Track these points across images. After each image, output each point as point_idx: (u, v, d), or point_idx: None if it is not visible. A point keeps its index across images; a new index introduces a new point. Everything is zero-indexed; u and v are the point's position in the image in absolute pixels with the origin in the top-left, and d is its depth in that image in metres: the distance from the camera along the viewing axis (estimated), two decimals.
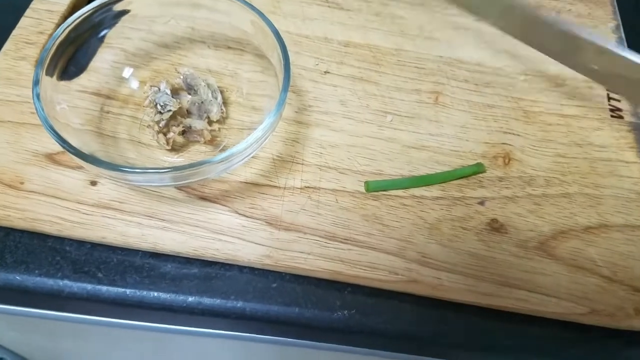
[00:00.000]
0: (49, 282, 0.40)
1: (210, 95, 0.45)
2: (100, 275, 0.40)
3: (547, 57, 0.54)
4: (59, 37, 0.40)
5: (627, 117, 0.51)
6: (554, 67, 0.53)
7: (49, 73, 0.40)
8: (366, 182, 0.44)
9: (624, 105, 0.52)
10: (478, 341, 0.40)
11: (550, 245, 0.42)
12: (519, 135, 0.48)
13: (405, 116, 0.48)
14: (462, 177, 0.45)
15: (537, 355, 0.41)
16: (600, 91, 0.52)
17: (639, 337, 0.41)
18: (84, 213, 0.41)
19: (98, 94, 0.46)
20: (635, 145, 0.49)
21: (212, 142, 0.44)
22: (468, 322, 0.40)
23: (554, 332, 0.41)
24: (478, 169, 0.45)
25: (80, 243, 0.41)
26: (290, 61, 0.41)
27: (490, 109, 0.49)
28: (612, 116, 0.51)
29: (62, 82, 0.42)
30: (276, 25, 0.43)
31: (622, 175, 0.47)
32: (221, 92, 0.46)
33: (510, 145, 0.47)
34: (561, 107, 0.51)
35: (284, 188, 0.43)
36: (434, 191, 0.44)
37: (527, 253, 0.42)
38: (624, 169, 0.47)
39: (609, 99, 0.52)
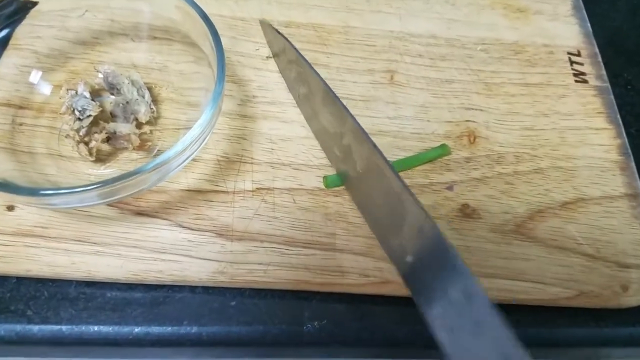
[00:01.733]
0: None
1: (135, 93, 0.39)
2: (29, 312, 0.35)
3: (503, 23, 0.51)
4: None
5: (592, 81, 0.48)
6: (512, 33, 0.50)
7: None
8: (325, 177, 0.39)
9: (587, 68, 0.49)
10: None
11: (527, 227, 0.39)
12: (482, 110, 0.45)
13: (359, 100, 0.44)
14: (426, 162, 0.41)
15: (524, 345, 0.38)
16: (561, 55, 0.49)
17: (628, 316, 0.38)
18: (1, 244, 0.35)
19: (7, 105, 0.40)
20: (603, 110, 0.46)
21: (143, 147, 0.38)
22: None
23: (539, 318, 0.38)
24: (443, 152, 0.41)
25: (2, 278, 0.36)
26: (227, 48, 0.37)
27: (449, 85, 0.46)
28: (576, 81, 0.48)
29: None
30: (206, 9, 0.37)
31: (593, 143, 0.44)
32: (150, 88, 0.41)
33: (474, 122, 0.44)
34: (523, 76, 0.47)
35: (234, 192, 0.38)
36: None
37: (505, 238, 0.38)
38: (595, 137, 0.44)
39: (572, 63, 0.49)
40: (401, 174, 0.40)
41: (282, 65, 0.44)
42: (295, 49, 0.40)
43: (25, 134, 0.39)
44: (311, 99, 0.40)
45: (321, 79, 0.38)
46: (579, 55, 0.50)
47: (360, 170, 0.36)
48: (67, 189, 0.30)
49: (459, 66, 0.47)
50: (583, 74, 0.48)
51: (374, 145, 0.33)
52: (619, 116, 0.46)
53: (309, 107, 0.41)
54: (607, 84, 0.48)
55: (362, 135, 0.34)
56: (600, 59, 0.50)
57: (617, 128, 0.45)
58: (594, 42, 0.51)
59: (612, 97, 0.47)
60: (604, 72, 0.49)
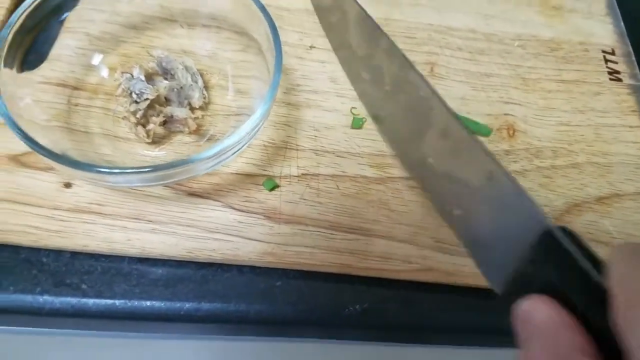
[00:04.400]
0: (27, 299, 0.36)
1: (189, 79, 0.41)
2: (84, 287, 0.36)
3: (539, 20, 0.52)
4: (15, 23, 0.35)
5: (626, 80, 0.49)
6: (548, 30, 0.51)
7: (8, 64, 0.35)
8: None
9: (621, 67, 0.50)
10: (501, 324, 0.38)
11: (565, 220, 0.40)
12: (520, 104, 0.46)
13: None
14: None
15: None
16: (596, 54, 0.50)
17: None
18: (60, 219, 0.37)
19: (64, 85, 0.41)
20: (637, 109, 0.47)
21: (198, 131, 0.40)
22: (483, 307, 0.38)
23: None
24: (482, 130, 0.43)
25: (57, 253, 0.37)
26: None
27: (488, 78, 0.47)
28: (610, 79, 0.49)
29: (23, 74, 0.37)
30: None
31: (627, 140, 0.45)
32: (201, 75, 0.42)
33: (512, 115, 0.45)
34: (559, 73, 0.48)
35: (280, 177, 0.40)
36: None
37: None
38: (629, 134, 0.45)
39: (606, 61, 0.50)
40: None
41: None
42: None
43: (81, 114, 0.40)
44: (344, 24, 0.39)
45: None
46: (613, 54, 0.51)
47: (389, 86, 0.35)
48: (132, 169, 0.32)
49: (497, 61, 0.48)
50: (617, 72, 0.49)
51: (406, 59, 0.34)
52: None
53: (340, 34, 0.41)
54: None
55: (395, 50, 0.34)
56: (634, 58, 0.51)
57: None
58: (628, 41, 0.52)
59: None
60: (637, 71, 0.50)
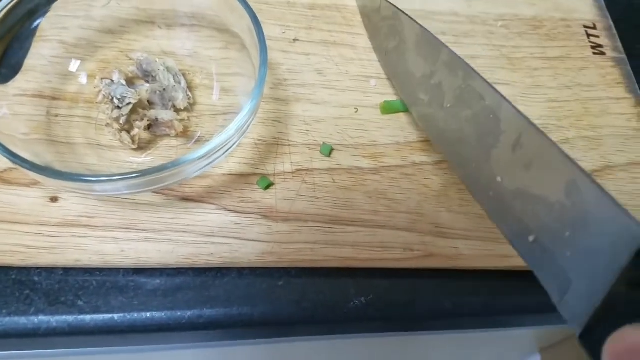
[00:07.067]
0: (22, 321, 0.34)
1: (172, 80, 0.39)
2: (80, 303, 0.35)
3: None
4: None
5: (609, 53, 0.49)
6: (529, 9, 0.51)
7: None
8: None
9: (603, 40, 0.50)
10: (505, 305, 0.38)
11: None
12: (507, 84, 0.45)
13: (385, 78, 0.44)
14: None
15: None
16: (578, 29, 0.50)
17: None
18: (48, 235, 0.35)
19: (41, 96, 0.39)
20: (622, 81, 0.47)
21: (185, 133, 0.39)
22: (489, 288, 0.38)
23: None
24: None
25: (49, 270, 0.36)
26: None
27: (474, 61, 0.46)
28: (594, 53, 0.49)
29: None
30: None
31: (615, 112, 0.45)
32: (183, 75, 0.41)
33: None
34: (544, 50, 0.48)
35: (274, 175, 0.39)
36: (433, 155, 0.41)
37: None
38: (616, 106, 0.45)
39: (588, 36, 0.50)
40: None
41: (373, 24, 0.45)
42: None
43: (62, 125, 0.39)
44: (402, 47, 0.41)
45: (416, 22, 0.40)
46: (594, 28, 0.51)
47: (449, 105, 0.35)
48: (120, 175, 0.30)
49: (481, 42, 0.48)
50: (600, 46, 0.49)
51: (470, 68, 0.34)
52: (637, 86, 0.47)
53: (398, 59, 0.42)
54: (624, 55, 0.49)
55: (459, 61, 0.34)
56: (615, 31, 0.51)
57: (637, 97, 0.46)
58: (608, 15, 0.52)
59: (629, 67, 0.48)
60: (619, 43, 0.50)
